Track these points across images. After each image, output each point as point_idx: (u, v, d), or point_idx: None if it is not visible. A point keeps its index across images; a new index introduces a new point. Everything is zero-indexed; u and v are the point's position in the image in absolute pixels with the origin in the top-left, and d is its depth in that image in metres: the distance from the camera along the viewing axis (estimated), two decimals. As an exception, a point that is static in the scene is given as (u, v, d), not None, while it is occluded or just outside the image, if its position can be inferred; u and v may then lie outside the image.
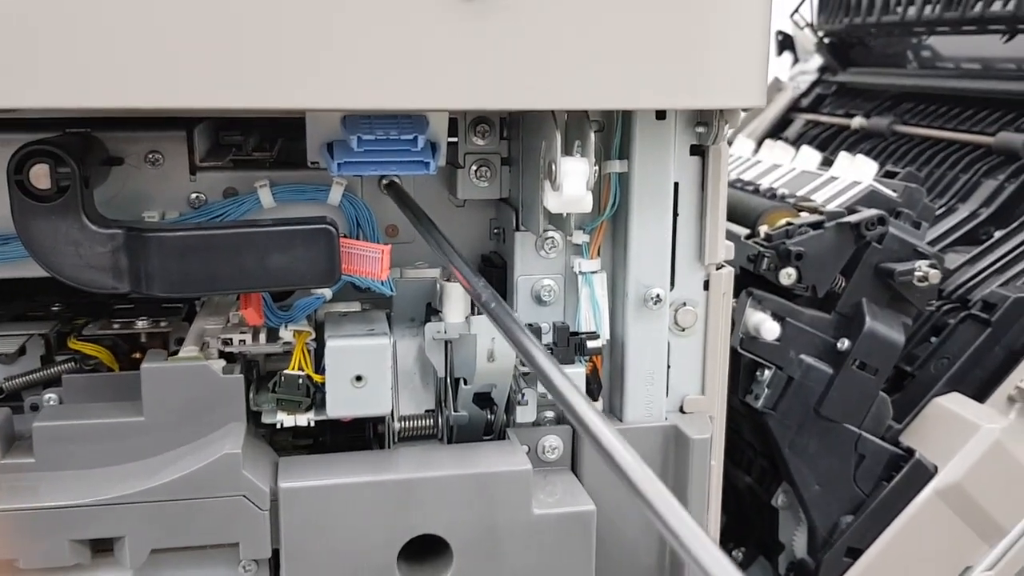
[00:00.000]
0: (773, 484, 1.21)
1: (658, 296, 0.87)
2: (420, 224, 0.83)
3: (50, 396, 0.89)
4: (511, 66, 0.71)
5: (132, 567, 0.77)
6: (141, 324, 0.91)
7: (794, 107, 2.08)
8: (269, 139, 0.94)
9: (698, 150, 0.88)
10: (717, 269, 0.91)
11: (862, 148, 1.78)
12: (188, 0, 0.65)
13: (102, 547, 0.79)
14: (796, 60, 2.20)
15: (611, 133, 0.86)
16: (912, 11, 1.71)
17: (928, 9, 1.67)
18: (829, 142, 1.86)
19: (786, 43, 2.19)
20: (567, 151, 0.78)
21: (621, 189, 0.87)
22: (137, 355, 0.93)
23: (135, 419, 0.79)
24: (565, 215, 0.84)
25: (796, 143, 1.71)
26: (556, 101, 0.74)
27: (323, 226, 0.76)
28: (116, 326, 0.91)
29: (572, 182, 0.76)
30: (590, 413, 0.63)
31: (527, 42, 0.71)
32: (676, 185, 0.88)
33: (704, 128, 0.86)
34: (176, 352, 0.85)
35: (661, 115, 0.85)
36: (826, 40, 2.05)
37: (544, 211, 0.82)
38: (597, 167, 0.80)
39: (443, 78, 0.71)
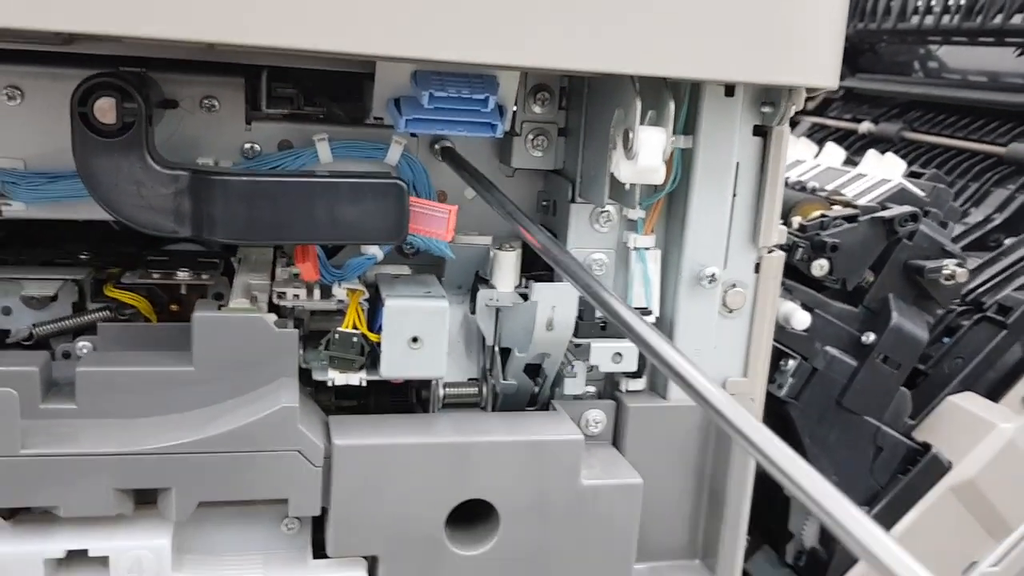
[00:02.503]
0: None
1: (713, 275, 0.87)
2: (481, 187, 0.81)
3: (84, 344, 0.86)
4: (597, 27, 0.70)
5: (177, 519, 0.75)
6: (182, 275, 0.88)
7: (800, 110, 2.09)
8: (320, 95, 0.92)
9: (760, 131, 0.88)
10: (769, 252, 0.90)
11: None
12: None
13: (145, 498, 0.76)
14: (801, 62, 2.21)
15: (678, 108, 0.85)
16: (929, 20, 1.73)
17: (946, 19, 1.69)
18: (837, 145, 1.88)
19: (792, 45, 2.20)
20: (643, 120, 0.78)
21: (683, 165, 0.86)
22: (175, 307, 0.91)
23: (185, 368, 0.77)
24: (629, 187, 0.83)
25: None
26: (639, 66, 0.73)
27: (395, 181, 0.75)
28: (156, 276, 0.88)
29: (649, 151, 0.76)
30: (684, 364, 0.62)
31: (613, 6, 0.70)
32: (737, 165, 0.88)
33: (770, 108, 0.86)
34: (225, 304, 0.83)
35: (729, 92, 0.85)
36: (834, 44, 2.06)
37: (611, 181, 0.81)
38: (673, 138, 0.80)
39: (527, 35, 0.69)
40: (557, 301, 0.82)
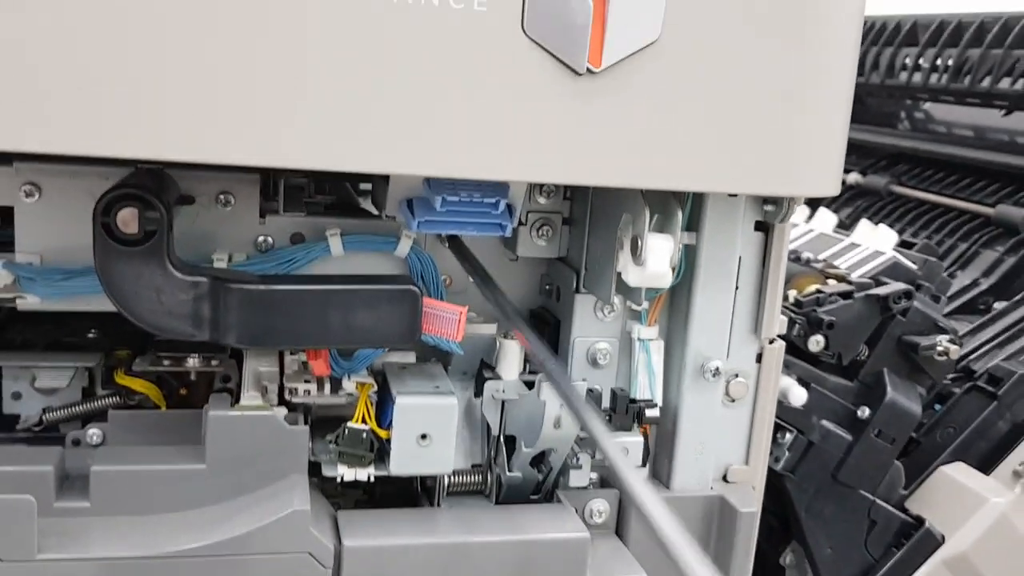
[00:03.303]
0: (781, 544, 1.24)
1: (717, 369, 0.89)
2: (482, 283, 0.83)
3: (94, 432, 0.87)
4: (608, 146, 0.72)
5: (191, 621, 0.75)
6: (192, 362, 0.89)
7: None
8: (329, 183, 0.93)
9: (762, 226, 0.90)
10: (770, 343, 0.92)
11: (859, 205, 1.83)
12: (281, 61, 0.64)
13: (158, 597, 0.77)
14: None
15: (683, 207, 0.87)
16: (918, 77, 1.76)
17: (935, 78, 1.72)
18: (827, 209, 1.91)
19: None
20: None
21: (687, 261, 0.88)
22: (184, 392, 0.92)
23: (196, 466, 0.78)
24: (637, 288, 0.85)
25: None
26: (647, 181, 0.75)
27: (408, 287, 0.76)
28: (166, 363, 0.89)
29: (657, 258, 0.78)
30: (641, 484, 0.64)
31: (625, 123, 0.72)
32: (739, 259, 0.90)
33: (772, 207, 0.88)
34: (223, 390, 0.84)
35: (733, 193, 0.87)
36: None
37: (618, 281, 0.83)
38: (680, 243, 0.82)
39: (541, 153, 0.71)
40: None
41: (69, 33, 0.61)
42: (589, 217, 0.90)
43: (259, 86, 0.64)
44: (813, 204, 1.50)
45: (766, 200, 0.89)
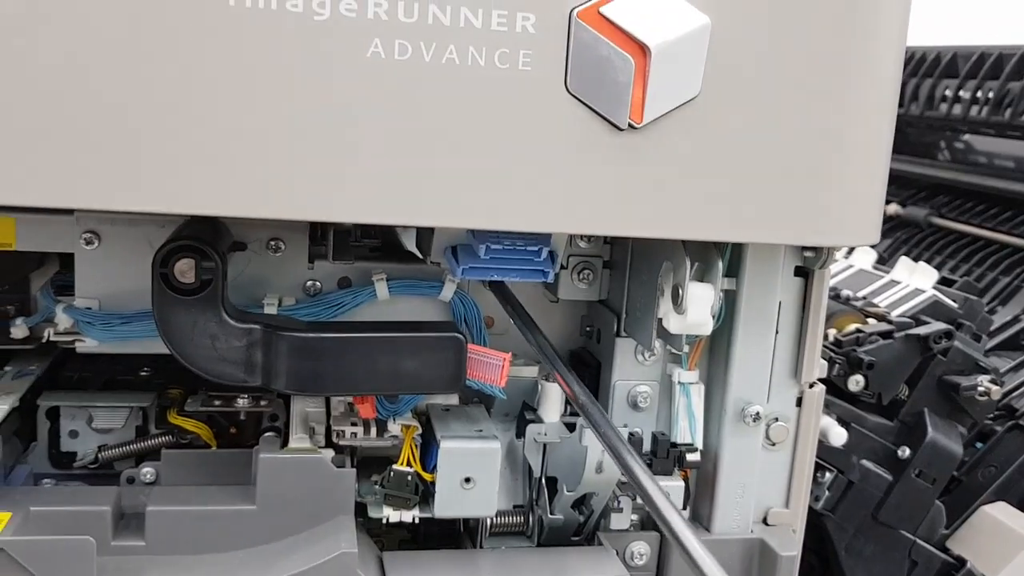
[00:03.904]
0: (822, 582, 1.24)
1: (757, 413, 0.90)
2: (523, 326, 0.85)
3: (147, 470, 0.90)
4: (648, 198, 0.73)
5: (240, 660, 0.77)
6: (241, 403, 0.92)
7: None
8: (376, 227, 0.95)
9: (801, 271, 0.91)
10: (811, 387, 0.93)
11: (898, 237, 1.82)
12: (328, 119, 0.67)
13: (206, 636, 0.79)
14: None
15: (723, 253, 0.88)
16: (958, 109, 1.76)
17: (975, 110, 1.72)
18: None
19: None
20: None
21: (727, 306, 0.89)
22: (234, 430, 0.94)
23: (247, 507, 0.80)
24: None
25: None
26: (687, 232, 0.76)
27: (454, 335, 0.78)
28: (217, 403, 0.92)
29: (698, 307, 0.79)
30: (684, 528, 0.66)
31: (665, 177, 0.73)
32: (779, 304, 0.90)
33: (812, 254, 0.88)
34: (271, 429, 0.86)
35: (772, 243, 0.88)
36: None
37: (659, 328, 0.84)
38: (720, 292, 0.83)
39: (581, 206, 0.73)
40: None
41: (126, 93, 0.63)
42: (630, 262, 0.91)
43: (312, 146, 0.67)
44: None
45: (806, 247, 0.89)
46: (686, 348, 0.90)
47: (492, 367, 0.81)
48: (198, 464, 0.89)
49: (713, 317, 0.80)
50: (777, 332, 0.91)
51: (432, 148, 0.69)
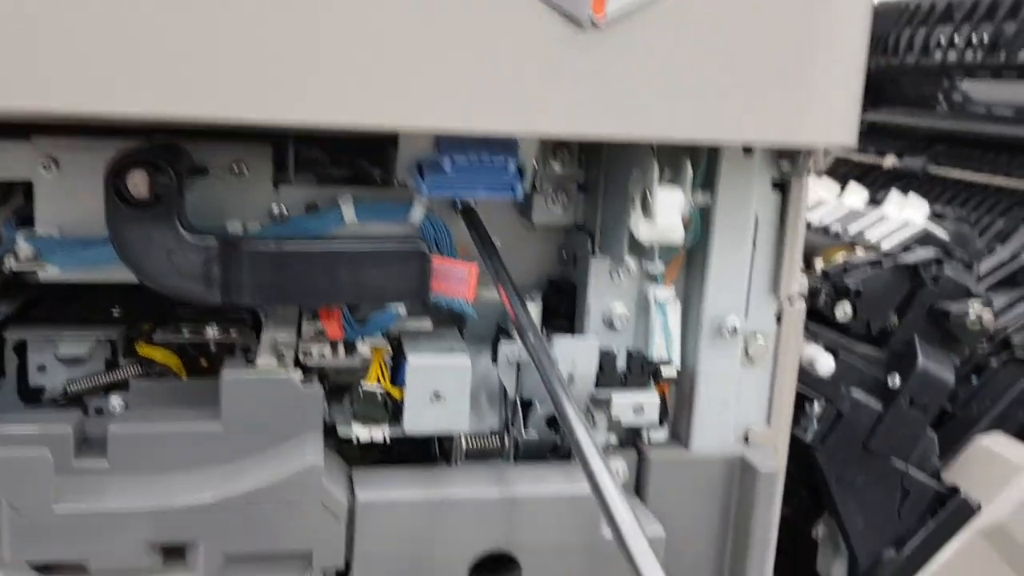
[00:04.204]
0: (813, 515, 1.22)
1: (734, 327, 0.88)
2: (483, 249, 0.83)
3: (116, 401, 0.89)
4: (616, 97, 0.72)
5: (205, 573, 0.76)
6: (211, 332, 0.90)
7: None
8: (346, 156, 0.94)
9: (779, 184, 0.89)
10: (790, 303, 0.91)
11: (896, 187, 1.80)
12: (290, 18, 0.65)
13: (173, 552, 0.78)
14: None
15: (696, 167, 0.86)
16: (952, 55, 1.73)
17: (969, 54, 1.69)
18: (860, 180, 1.88)
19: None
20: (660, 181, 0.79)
21: (702, 221, 0.88)
22: (204, 362, 0.93)
23: (212, 427, 0.79)
24: (649, 245, 0.84)
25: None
26: (656, 132, 0.74)
27: (417, 246, 0.77)
28: (186, 333, 0.91)
29: (667, 212, 0.77)
30: (590, 445, 0.64)
31: (633, 74, 0.72)
32: (755, 217, 0.89)
33: (788, 164, 0.87)
34: (250, 361, 0.85)
35: (748, 150, 0.86)
36: (858, 77, 2.07)
37: (629, 239, 0.83)
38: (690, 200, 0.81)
39: (547, 105, 0.71)
40: (577, 356, 0.84)
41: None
42: (603, 180, 0.90)
43: (269, 43, 0.65)
44: (845, 176, 1.48)
45: (781, 156, 0.88)
46: (660, 264, 0.89)
47: (459, 280, 0.80)
48: (167, 394, 0.88)
49: (686, 227, 0.78)
50: (755, 247, 0.89)
51: (390, 46, 0.67)
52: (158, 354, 0.90)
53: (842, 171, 1.95)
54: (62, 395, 0.90)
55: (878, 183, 1.84)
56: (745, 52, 0.73)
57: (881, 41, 1.93)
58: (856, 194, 1.41)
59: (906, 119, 1.96)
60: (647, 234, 0.79)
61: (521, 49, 0.70)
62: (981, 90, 1.86)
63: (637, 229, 0.80)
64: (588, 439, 0.66)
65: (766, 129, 0.75)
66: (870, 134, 2.04)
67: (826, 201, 1.44)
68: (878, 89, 2.06)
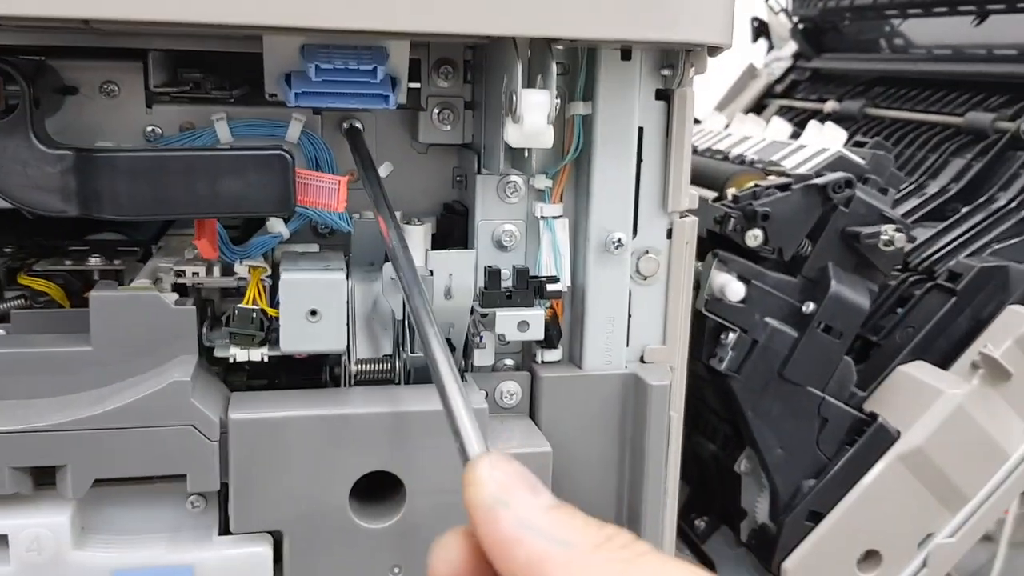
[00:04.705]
0: (737, 451, 1.21)
1: (619, 240, 0.87)
2: (364, 171, 0.82)
3: (-2, 331, 0.87)
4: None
5: (74, 496, 0.75)
6: (94, 261, 0.89)
7: (768, 93, 2.09)
8: (229, 80, 0.92)
9: (663, 95, 0.87)
10: (681, 217, 0.90)
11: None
12: None
13: (45, 478, 0.77)
14: (771, 47, 2.20)
15: (575, 75, 0.85)
16: (885, -6, 1.72)
17: (901, -9, 1.68)
18: (802, 126, 1.87)
19: (761, 29, 2.20)
20: (529, 84, 0.77)
21: (584, 132, 0.86)
22: (88, 292, 0.91)
23: (82, 348, 0.78)
24: (527, 154, 0.83)
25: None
26: (516, 27, 0.72)
27: (278, 152, 0.75)
28: (68, 263, 0.89)
29: (533, 114, 0.75)
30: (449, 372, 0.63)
31: (489, -32, 0.70)
32: (641, 130, 0.87)
33: (670, 71, 0.85)
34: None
35: (626, 56, 0.84)
36: (800, 26, 2.06)
37: (505, 149, 0.81)
38: (559, 103, 0.79)
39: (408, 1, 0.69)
40: (454, 269, 0.82)
41: None
42: (484, 95, 0.88)
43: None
44: (789, 122, 1.46)
45: (664, 65, 0.86)
46: (548, 182, 0.88)
47: (327, 191, 0.78)
48: (50, 324, 0.86)
49: (551, 124, 0.77)
50: (641, 160, 0.88)
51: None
52: (39, 284, 0.89)
53: (785, 118, 1.93)
54: (-58, 328, 0.89)
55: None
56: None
57: (819, -14, 1.92)
58: (779, 128, 1.40)
59: (849, 64, 1.95)
60: (516, 138, 0.77)
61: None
62: (920, 31, 1.85)
63: (507, 134, 0.78)
64: (436, 339, 0.65)
65: (631, 24, 0.74)
66: (814, 81, 2.03)
67: (751, 137, 1.43)
68: (820, 36, 2.05)
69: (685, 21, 0.75)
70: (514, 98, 0.76)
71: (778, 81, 2.07)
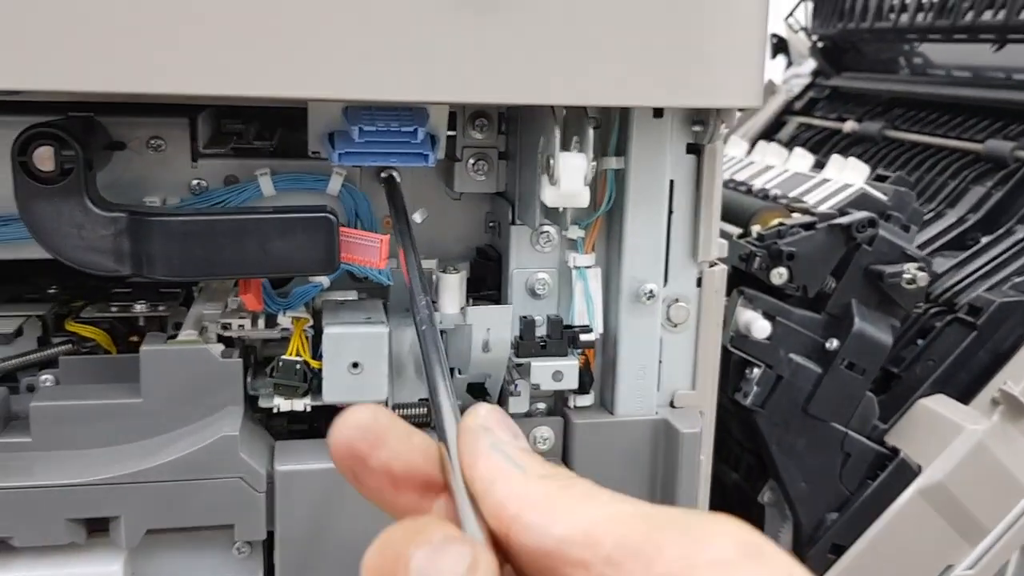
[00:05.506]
0: (760, 481, 1.23)
1: (651, 291, 0.89)
2: (397, 220, 0.83)
3: (46, 377, 0.90)
4: (512, 62, 0.72)
5: (127, 547, 0.78)
6: (139, 308, 0.91)
7: (787, 110, 2.10)
8: (269, 129, 0.95)
9: (694, 148, 0.89)
10: (711, 266, 0.92)
11: (854, 152, 1.80)
12: None
13: (97, 527, 0.79)
14: (790, 63, 2.22)
15: (608, 130, 0.87)
16: (904, 18, 1.73)
17: (920, 17, 1.69)
18: (821, 145, 1.88)
19: (780, 46, 2.21)
20: (565, 146, 0.80)
21: (617, 186, 0.88)
22: (135, 339, 0.94)
23: (132, 400, 0.80)
24: (561, 209, 0.85)
25: (789, 145, 1.72)
26: (554, 97, 0.75)
27: (324, 215, 0.77)
28: (114, 309, 0.92)
29: (570, 177, 0.78)
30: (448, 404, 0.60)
31: (529, 38, 0.72)
32: (672, 183, 0.89)
33: (700, 127, 0.87)
34: (175, 336, 0.86)
35: (658, 114, 0.86)
36: (820, 44, 2.07)
37: (540, 205, 0.83)
38: (595, 163, 0.81)
39: (444, 72, 0.72)
40: (492, 323, 0.85)
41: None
42: (519, 148, 0.90)
43: (174, 13, 0.66)
44: (790, 145, 1.48)
45: (695, 121, 0.88)
46: (577, 230, 0.90)
47: (370, 249, 0.81)
48: (97, 370, 0.88)
49: (587, 187, 0.79)
50: (672, 212, 0.90)
51: (294, 19, 0.68)
52: (87, 331, 0.91)
53: (804, 136, 1.95)
54: (-7, 373, 0.92)
55: (838, 148, 1.84)
56: (644, 15, 0.74)
57: (838, 6, 1.93)
58: (801, 159, 1.41)
59: (868, 84, 1.96)
60: (552, 199, 0.79)
61: (420, 17, 0.70)
62: (939, 53, 1.86)
63: (544, 194, 0.80)
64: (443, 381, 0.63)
65: (665, 92, 0.76)
66: (833, 99, 2.05)
67: (774, 167, 1.45)
68: (840, 55, 2.06)
69: (718, 88, 0.77)
70: (551, 161, 0.78)
71: (797, 98, 2.08)
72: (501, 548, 0.38)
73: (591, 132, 0.79)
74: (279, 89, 0.70)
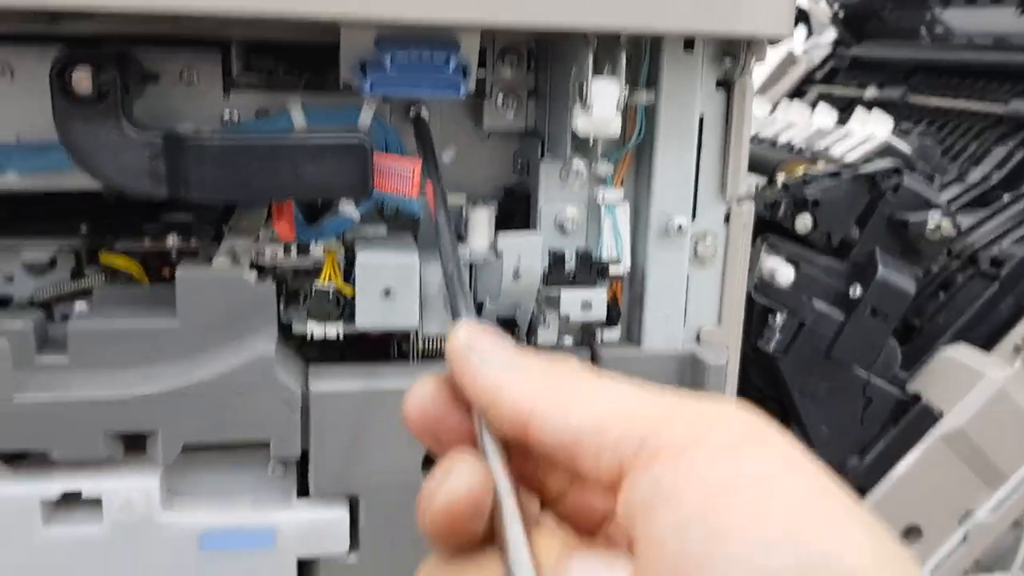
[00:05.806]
0: (782, 427, 1.23)
1: (680, 226, 0.89)
2: (425, 161, 0.84)
3: (81, 306, 0.91)
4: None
5: (164, 462, 0.79)
6: (172, 241, 0.93)
7: (808, 79, 2.10)
8: (298, 68, 0.95)
9: (724, 84, 0.90)
10: (739, 203, 0.93)
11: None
12: None
13: (134, 443, 0.81)
14: (810, 33, 2.21)
15: (639, 64, 0.88)
16: (928, -20, 1.72)
17: (944, -22, 1.69)
18: (844, 112, 1.88)
19: (801, 16, 2.21)
20: (598, 71, 0.80)
21: (647, 120, 0.89)
22: (167, 271, 0.95)
23: (169, 323, 0.82)
24: (592, 142, 0.86)
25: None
26: (585, 19, 0.75)
27: (358, 143, 0.78)
28: (147, 242, 0.93)
29: (602, 103, 0.78)
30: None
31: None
32: (701, 118, 0.90)
33: (731, 61, 0.88)
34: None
35: (689, 46, 0.87)
36: (840, 13, 2.06)
37: (571, 138, 0.84)
38: (627, 91, 0.82)
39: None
40: (522, 251, 0.85)
41: None
42: (549, 83, 0.91)
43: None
44: (815, 103, 1.48)
45: (725, 55, 0.89)
46: (607, 164, 0.90)
47: (402, 177, 0.82)
48: (131, 300, 0.90)
49: (619, 113, 0.79)
50: (701, 147, 0.91)
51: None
52: (120, 261, 0.93)
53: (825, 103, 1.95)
54: (28, 303, 0.93)
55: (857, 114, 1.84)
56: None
57: (861, -28, 1.92)
58: (825, 114, 1.41)
59: (889, 52, 1.95)
60: (584, 126, 0.80)
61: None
62: (961, 19, 1.85)
63: (575, 122, 0.81)
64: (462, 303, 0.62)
65: (701, 18, 0.76)
66: (853, 68, 2.04)
67: (797, 124, 1.45)
68: (862, 23, 2.05)
69: (748, 15, 0.78)
70: (584, 87, 0.79)
71: (818, 68, 2.08)
72: (521, 451, 0.39)
73: (623, 59, 0.79)
74: (313, 7, 0.71)
